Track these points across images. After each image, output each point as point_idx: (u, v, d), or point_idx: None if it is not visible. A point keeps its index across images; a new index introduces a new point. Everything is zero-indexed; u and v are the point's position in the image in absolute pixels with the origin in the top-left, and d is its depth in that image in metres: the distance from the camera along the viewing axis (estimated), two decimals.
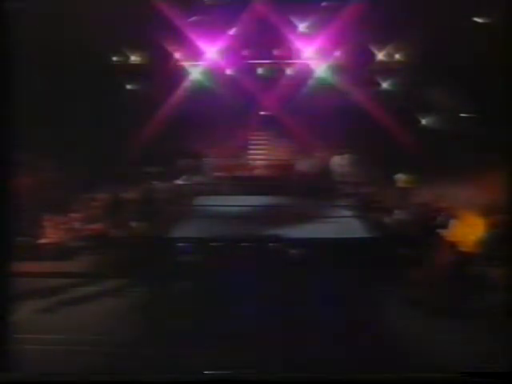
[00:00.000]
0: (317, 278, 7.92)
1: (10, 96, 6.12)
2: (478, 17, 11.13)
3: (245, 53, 12.50)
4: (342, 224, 9.78)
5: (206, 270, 8.35)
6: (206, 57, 12.48)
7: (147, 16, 10.85)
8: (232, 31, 12.09)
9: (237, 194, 11.74)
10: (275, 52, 12.54)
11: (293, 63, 12.63)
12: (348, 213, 10.50)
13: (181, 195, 11.51)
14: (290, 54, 12.48)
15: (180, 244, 8.90)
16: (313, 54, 12.40)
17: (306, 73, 12.66)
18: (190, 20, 11.86)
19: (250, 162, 12.97)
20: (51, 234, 9.49)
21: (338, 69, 12.50)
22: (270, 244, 8.74)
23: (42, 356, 6.14)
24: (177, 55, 12.56)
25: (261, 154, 13.14)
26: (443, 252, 8.53)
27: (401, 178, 11.08)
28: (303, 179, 12.06)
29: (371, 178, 11.48)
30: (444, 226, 9.30)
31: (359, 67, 12.37)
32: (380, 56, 12.45)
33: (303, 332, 6.69)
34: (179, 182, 11.93)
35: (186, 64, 12.67)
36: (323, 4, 11.70)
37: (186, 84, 12.58)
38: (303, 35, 12.15)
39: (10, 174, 6.11)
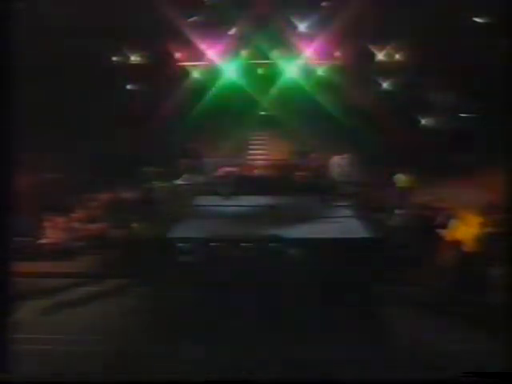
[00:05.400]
0: (316, 278, 7.93)
1: (11, 96, 6.12)
2: (478, 17, 11.15)
3: (244, 53, 12.51)
4: (342, 224, 9.77)
5: (205, 270, 8.35)
6: (206, 57, 12.52)
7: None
8: (232, 31, 12.13)
9: (237, 194, 11.72)
10: (275, 52, 12.55)
11: (293, 63, 12.65)
12: (348, 213, 10.50)
13: (181, 195, 11.50)
14: (291, 54, 12.50)
15: (180, 244, 8.90)
16: (313, 54, 12.43)
17: (307, 73, 12.68)
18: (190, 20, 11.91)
19: (250, 161, 12.96)
20: (51, 233, 9.49)
21: (338, 69, 12.53)
22: (270, 244, 8.73)
23: (41, 356, 6.14)
24: (177, 56, 12.58)
25: (261, 154, 13.14)
26: (443, 252, 8.53)
27: (401, 178, 11.07)
28: (303, 179, 12.06)
29: (371, 178, 11.48)
30: (444, 226, 9.31)
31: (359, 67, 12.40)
32: (380, 56, 12.46)
33: (301, 332, 6.70)
34: (179, 181, 11.92)
35: (186, 64, 12.69)
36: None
37: (187, 84, 12.62)
38: (303, 35, 12.18)
39: (10, 174, 6.11)
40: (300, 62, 12.59)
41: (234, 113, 12.43)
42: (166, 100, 12.29)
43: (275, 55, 12.54)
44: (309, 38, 12.19)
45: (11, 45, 6.12)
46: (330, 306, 7.32)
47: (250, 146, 13.21)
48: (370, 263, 8.18)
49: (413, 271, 8.23)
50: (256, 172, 12.57)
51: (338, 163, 12.33)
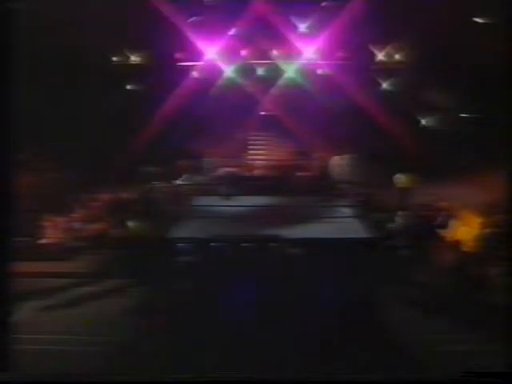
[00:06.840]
0: (316, 278, 7.93)
1: (11, 96, 6.12)
2: (479, 17, 11.15)
3: (244, 53, 12.51)
4: (342, 224, 9.78)
5: (205, 270, 8.35)
6: (205, 57, 12.52)
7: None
8: (232, 31, 12.14)
9: (237, 194, 11.72)
10: (275, 52, 12.55)
11: (293, 63, 12.66)
12: (348, 213, 10.50)
13: (181, 195, 11.50)
14: (291, 54, 12.50)
15: (180, 244, 8.90)
16: (313, 55, 12.44)
17: (307, 73, 12.68)
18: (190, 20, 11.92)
19: (250, 161, 12.96)
20: (51, 234, 9.49)
21: (337, 69, 12.53)
22: (270, 244, 8.73)
23: (41, 356, 6.14)
24: (177, 55, 12.58)
25: (261, 154, 13.14)
26: (443, 252, 8.54)
27: (401, 178, 11.06)
28: (303, 179, 12.07)
29: (371, 178, 11.48)
30: (444, 227, 9.31)
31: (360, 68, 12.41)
32: (380, 56, 12.47)
33: (302, 331, 6.70)
34: (179, 181, 11.92)
35: (186, 64, 12.69)
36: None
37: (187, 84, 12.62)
38: (304, 35, 12.18)
39: (10, 174, 6.11)
40: (300, 61, 12.59)
41: (234, 113, 12.43)
42: (165, 100, 12.29)
43: (275, 55, 12.55)
44: (309, 37, 12.20)
45: (11, 44, 6.13)
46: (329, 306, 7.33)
47: (250, 146, 13.21)
48: (369, 263, 8.18)
49: (413, 271, 8.23)
50: (256, 172, 12.57)
51: (338, 163, 12.34)
